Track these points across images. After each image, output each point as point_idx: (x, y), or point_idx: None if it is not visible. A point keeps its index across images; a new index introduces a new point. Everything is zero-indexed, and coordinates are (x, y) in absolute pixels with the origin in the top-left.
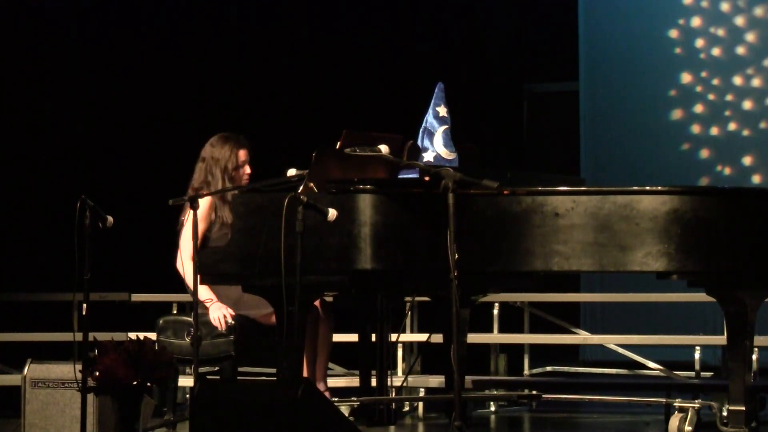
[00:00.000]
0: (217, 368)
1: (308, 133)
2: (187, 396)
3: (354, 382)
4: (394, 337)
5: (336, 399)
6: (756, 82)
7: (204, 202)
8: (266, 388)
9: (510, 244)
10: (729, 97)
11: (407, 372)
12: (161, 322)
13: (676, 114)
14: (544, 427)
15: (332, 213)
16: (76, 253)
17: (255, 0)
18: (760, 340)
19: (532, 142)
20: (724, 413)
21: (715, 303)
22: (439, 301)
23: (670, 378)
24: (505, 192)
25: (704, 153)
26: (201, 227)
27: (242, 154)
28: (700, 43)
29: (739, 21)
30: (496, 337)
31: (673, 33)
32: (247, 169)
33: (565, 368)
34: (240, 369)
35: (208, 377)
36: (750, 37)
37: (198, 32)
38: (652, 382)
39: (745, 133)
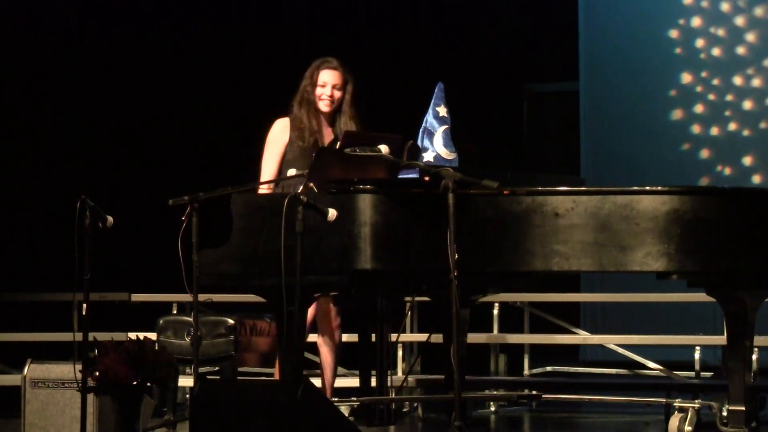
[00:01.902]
0: (217, 368)
1: None
2: (187, 396)
3: (354, 382)
4: (394, 337)
5: (336, 399)
6: (756, 82)
7: (276, 126)
8: (266, 388)
9: (510, 244)
10: (729, 97)
11: (407, 372)
12: (161, 322)
13: (676, 114)
14: (544, 427)
15: (332, 213)
16: (76, 253)
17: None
18: (760, 340)
19: (532, 142)
20: (724, 413)
21: (715, 303)
22: (439, 301)
23: (670, 378)
24: (505, 192)
25: (704, 153)
26: (279, 151)
27: (323, 74)
28: (700, 43)
29: (739, 21)
30: (496, 337)
31: (673, 33)
32: (328, 92)
33: (565, 368)
34: (240, 369)
35: (208, 377)
36: (750, 37)
37: (198, 32)
38: (652, 382)
39: (745, 133)
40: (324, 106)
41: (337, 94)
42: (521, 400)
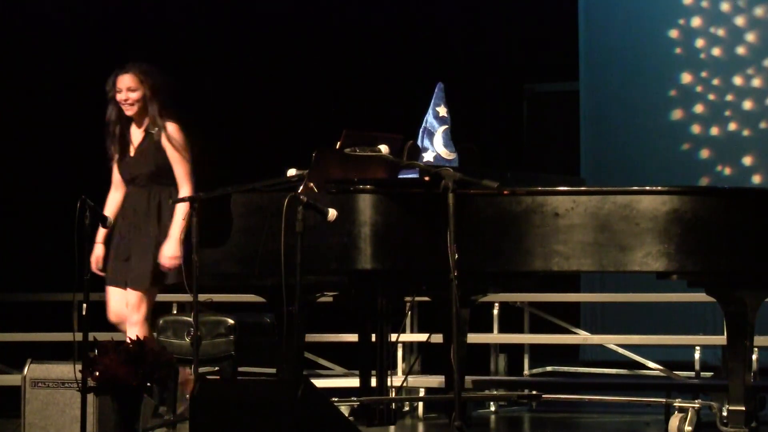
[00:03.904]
0: (217, 368)
1: (308, 133)
2: (187, 396)
3: (354, 382)
4: (394, 337)
5: (336, 399)
6: (756, 82)
7: None
8: (266, 388)
9: (510, 244)
10: (729, 97)
11: (407, 372)
12: (161, 322)
13: (676, 114)
14: (544, 427)
15: (332, 213)
16: (76, 253)
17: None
18: (760, 340)
19: (532, 142)
20: (724, 413)
21: (715, 303)
22: (439, 301)
23: (670, 378)
24: (505, 192)
25: (704, 153)
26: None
27: (118, 81)
28: (700, 43)
29: (739, 21)
30: (496, 337)
31: (673, 33)
32: (123, 96)
33: (565, 368)
34: (240, 369)
35: (208, 377)
36: (750, 37)
37: (198, 32)
38: (652, 382)
39: (745, 133)
40: (126, 110)
41: (133, 95)
42: (521, 400)
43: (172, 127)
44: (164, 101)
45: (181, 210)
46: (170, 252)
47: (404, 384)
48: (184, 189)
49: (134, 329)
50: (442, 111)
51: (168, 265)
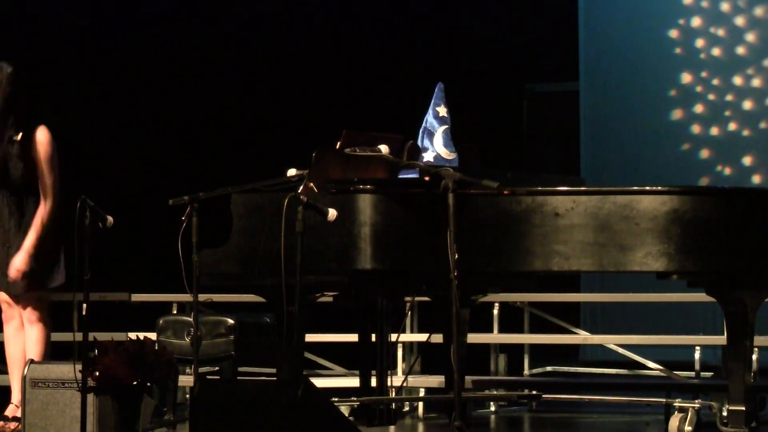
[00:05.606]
0: (217, 368)
1: (308, 133)
2: (187, 396)
3: (354, 382)
4: (394, 337)
5: (336, 399)
6: (756, 82)
7: None
8: (266, 388)
9: (510, 244)
10: (729, 97)
11: (407, 372)
12: (161, 322)
13: (676, 114)
14: (544, 427)
15: (332, 213)
16: (76, 253)
17: (256, 0)
18: (760, 340)
19: (532, 142)
20: (724, 413)
21: (715, 303)
22: (439, 301)
23: (670, 378)
24: (505, 192)
25: (704, 153)
26: None
27: None
28: (700, 43)
29: (739, 21)
30: (496, 337)
31: (673, 33)
32: None
33: (565, 368)
34: (240, 369)
35: (208, 377)
36: (750, 37)
37: (198, 32)
38: (652, 382)
39: (745, 133)
40: None
41: None
42: (521, 400)
43: (42, 135)
44: (30, 106)
45: (38, 221)
46: (17, 264)
47: (404, 384)
48: (48, 201)
49: None
50: (442, 111)
51: (13, 277)
